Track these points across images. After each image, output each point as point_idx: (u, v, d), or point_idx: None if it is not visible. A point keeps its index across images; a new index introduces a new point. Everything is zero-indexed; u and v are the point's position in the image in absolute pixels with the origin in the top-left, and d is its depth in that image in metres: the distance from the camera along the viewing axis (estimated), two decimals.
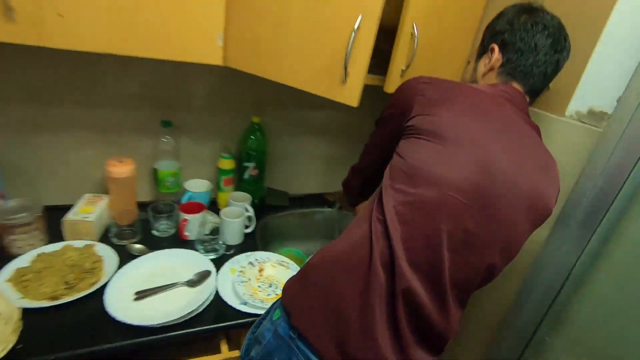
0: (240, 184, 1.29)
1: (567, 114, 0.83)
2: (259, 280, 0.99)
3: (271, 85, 0.88)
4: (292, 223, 1.40)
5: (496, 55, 0.72)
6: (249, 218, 1.18)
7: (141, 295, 0.86)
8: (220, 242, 1.08)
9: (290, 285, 0.70)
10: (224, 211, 1.12)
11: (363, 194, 0.98)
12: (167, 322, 0.80)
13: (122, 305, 0.82)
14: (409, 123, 0.65)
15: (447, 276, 0.60)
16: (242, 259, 1.05)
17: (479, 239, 0.60)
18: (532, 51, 0.68)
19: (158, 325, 0.79)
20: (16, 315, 0.73)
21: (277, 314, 0.68)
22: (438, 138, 0.60)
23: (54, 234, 0.98)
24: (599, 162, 0.76)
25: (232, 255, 1.06)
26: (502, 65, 0.71)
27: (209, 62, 0.84)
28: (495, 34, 0.73)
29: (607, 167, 0.75)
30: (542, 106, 0.87)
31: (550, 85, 0.76)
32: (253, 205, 1.20)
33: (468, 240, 0.60)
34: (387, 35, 0.86)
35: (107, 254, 0.96)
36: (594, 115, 0.79)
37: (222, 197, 1.26)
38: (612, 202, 0.76)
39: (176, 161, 1.18)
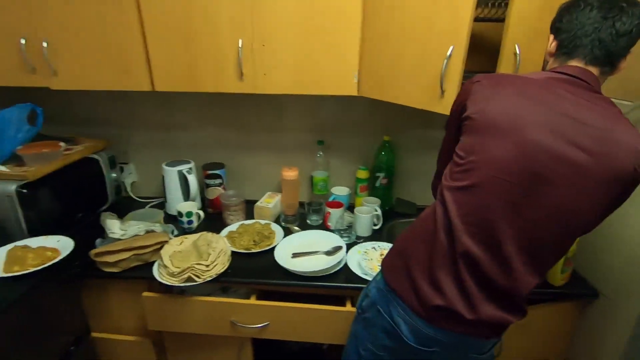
0: (372, 191, 1.58)
1: None
2: (379, 261, 1.24)
3: (398, 109, 1.15)
4: None
5: (551, 41, 0.81)
6: (377, 217, 1.45)
7: (296, 255, 1.23)
8: (353, 232, 1.39)
9: (386, 255, 0.93)
10: (357, 209, 1.42)
11: None
12: (312, 271, 1.13)
13: (284, 259, 1.21)
14: (464, 121, 0.77)
15: (509, 243, 0.72)
16: (368, 245, 1.32)
17: (531, 212, 0.70)
18: (577, 25, 0.74)
19: (306, 273, 1.14)
20: (229, 252, 1.21)
21: (379, 275, 0.92)
22: (483, 129, 0.72)
23: (249, 214, 1.49)
24: None
25: (360, 243, 1.35)
26: (557, 48, 0.79)
27: (348, 94, 1.20)
28: (551, 26, 0.82)
29: None
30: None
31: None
32: (383, 211, 1.47)
33: (521, 213, 0.70)
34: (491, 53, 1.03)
35: (278, 230, 1.39)
36: None
37: (358, 201, 1.58)
38: None
39: (326, 171, 1.58)
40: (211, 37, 1.15)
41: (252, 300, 1.14)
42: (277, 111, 1.55)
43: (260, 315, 1.13)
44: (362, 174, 1.55)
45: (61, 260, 1.12)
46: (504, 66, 1.02)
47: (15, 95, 1.45)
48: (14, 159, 1.26)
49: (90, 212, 1.47)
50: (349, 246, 1.31)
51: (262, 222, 1.43)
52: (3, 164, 1.23)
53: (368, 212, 1.41)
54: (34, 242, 1.18)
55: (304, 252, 1.25)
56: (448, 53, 0.91)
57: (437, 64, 0.95)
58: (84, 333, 1.26)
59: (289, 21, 1.12)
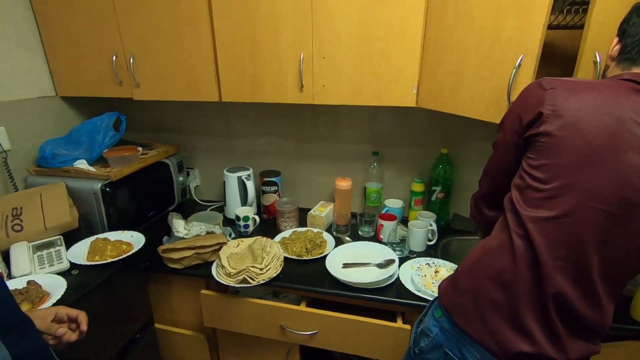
0: (428, 205, 1.53)
1: None
2: (433, 278, 1.19)
3: (458, 121, 1.12)
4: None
5: (614, 44, 0.73)
6: (432, 232, 1.39)
7: (347, 265, 1.23)
8: (406, 246, 1.35)
9: (445, 290, 0.82)
10: (412, 222, 1.39)
11: (489, 222, 0.87)
12: (363, 283, 1.12)
13: (335, 268, 1.21)
14: (537, 138, 0.67)
15: (595, 275, 0.65)
16: (422, 260, 1.27)
17: (622, 240, 0.63)
18: None
19: (356, 284, 1.13)
20: (281, 258, 1.24)
21: (439, 312, 0.82)
22: (571, 149, 0.63)
23: (302, 222, 1.52)
24: None
25: (413, 258, 1.30)
26: (620, 53, 0.71)
27: (406, 105, 1.18)
28: (619, 28, 0.74)
29: None
30: None
31: None
32: (438, 226, 1.41)
33: (612, 242, 0.63)
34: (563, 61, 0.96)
35: (329, 239, 1.40)
36: None
37: (412, 214, 1.54)
38: None
39: (380, 182, 1.56)
40: (274, 51, 1.22)
41: (302, 307, 1.15)
42: (333, 121, 1.58)
43: (310, 323, 1.14)
44: (418, 187, 1.51)
45: (134, 253, 1.24)
46: (582, 76, 0.94)
47: (100, 105, 1.64)
48: (100, 161, 1.43)
49: (159, 211, 1.60)
50: (401, 260, 1.28)
51: (315, 230, 1.45)
52: (92, 164, 1.40)
53: (423, 226, 1.37)
54: (112, 235, 1.31)
55: (355, 262, 1.25)
56: (517, 62, 0.86)
57: (504, 74, 0.91)
58: (148, 322, 1.36)
59: (349, 34, 1.14)
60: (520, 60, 0.86)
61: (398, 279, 1.18)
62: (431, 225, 1.39)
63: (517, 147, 0.73)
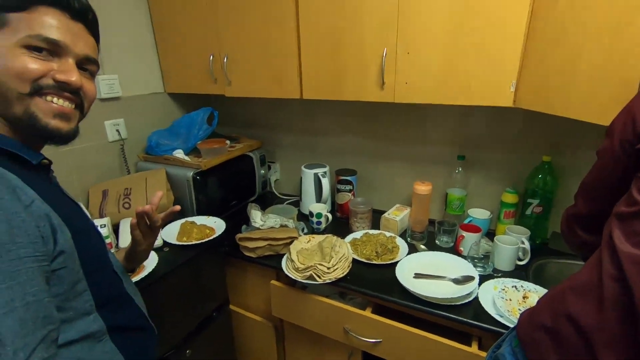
0: (521, 219, 1.35)
1: None
2: (520, 304, 1.03)
3: (566, 124, 0.95)
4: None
5: None
6: (524, 250, 1.22)
7: (419, 275, 1.15)
8: (490, 263, 1.20)
9: (523, 320, 0.72)
10: (498, 237, 1.23)
11: (586, 245, 0.77)
12: (435, 297, 1.03)
13: (405, 277, 1.14)
14: None
15: None
16: (508, 281, 1.12)
17: None
18: None
19: (428, 298, 1.04)
20: (350, 259, 1.21)
21: (516, 342, 0.71)
22: None
23: (375, 224, 1.47)
24: None
25: (498, 277, 1.16)
26: None
27: (501, 105, 1.05)
28: None
29: None
30: None
31: None
32: (532, 244, 1.23)
33: None
34: None
35: (402, 245, 1.33)
36: None
37: (500, 228, 1.37)
38: None
39: (464, 189, 1.43)
40: (356, 48, 1.19)
41: (367, 313, 1.11)
42: (416, 121, 1.49)
43: (375, 330, 1.09)
44: (510, 198, 1.34)
45: (215, 238, 1.34)
46: None
47: (198, 101, 1.81)
48: (194, 151, 1.58)
49: (241, 201, 1.71)
50: (483, 278, 1.14)
51: (387, 234, 1.39)
52: (187, 154, 1.55)
53: (512, 243, 1.20)
54: (199, 219, 1.44)
55: (428, 274, 1.16)
56: None
57: (633, 69, 0.73)
58: (224, 303, 1.47)
59: (438, 26, 1.05)
60: None
61: (477, 298, 1.06)
62: (523, 242, 1.22)
63: (628, 159, 0.58)
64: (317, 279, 1.13)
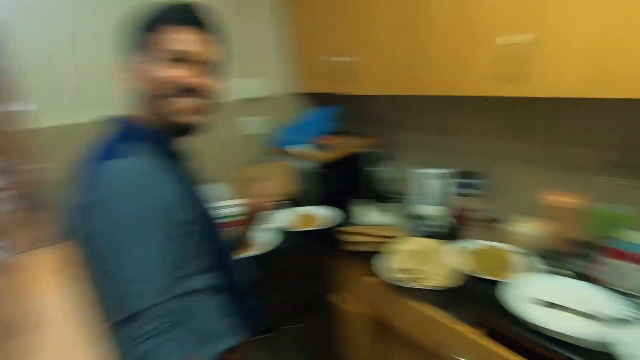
0: None
1: None
2: None
3: None
4: None
5: None
6: None
7: (541, 302, 0.97)
8: None
9: None
10: None
11: None
12: (559, 332, 0.86)
13: (523, 301, 0.98)
14: None
15: None
16: None
17: None
18: None
19: (548, 332, 0.88)
20: (456, 269, 1.12)
21: None
22: None
23: (496, 235, 1.31)
24: None
25: None
26: None
27: None
28: None
29: None
30: None
31: None
32: None
33: None
34: None
35: (527, 263, 1.14)
36: None
37: None
38: None
39: (623, 205, 1.12)
40: (489, 37, 1.07)
41: (470, 333, 1.00)
42: (561, 119, 1.24)
43: (479, 354, 0.98)
44: None
45: (326, 228, 1.44)
46: None
47: (324, 99, 1.93)
48: (318, 146, 1.71)
49: (356, 194, 1.76)
50: (629, 322, 0.88)
51: (510, 247, 1.21)
52: (311, 149, 1.69)
53: None
54: (314, 209, 1.56)
55: (554, 302, 0.97)
56: None
57: None
58: (323, 292, 1.56)
59: (586, 5, 0.85)
60: None
61: (622, 348, 0.83)
62: None
63: None
64: (416, 283, 1.08)
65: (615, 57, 0.85)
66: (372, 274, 1.31)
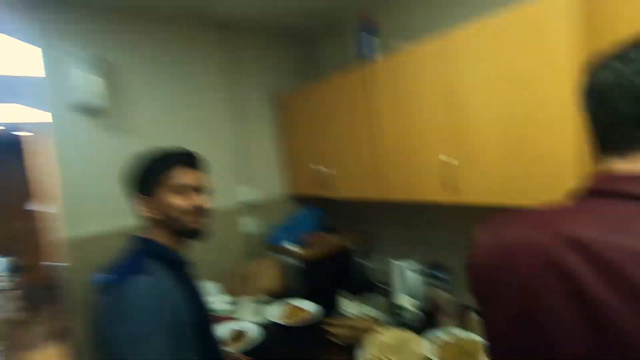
0: None
1: None
2: None
3: None
4: None
5: None
6: None
7: None
8: None
9: None
10: None
11: None
12: None
13: None
14: None
15: None
16: None
17: None
18: None
19: None
20: (425, 358, 1.21)
21: None
22: None
23: (467, 324, 1.41)
24: None
25: None
26: None
27: None
28: None
29: None
30: None
31: None
32: None
33: None
34: None
35: None
36: None
37: None
38: None
39: None
40: (421, 154, 1.36)
41: None
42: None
43: None
44: None
45: (311, 321, 1.54)
46: None
47: (309, 201, 2.20)
48: (304, 243, 1.91)
49: (338, 288, 1.89)
50: None
51: (475, 338, 1.31)
52: (297, 247, 1.89)
53: None
54: (300, 303, 1.69)
55: None
56: None
57: None
58: None
59: (491, 139, 1.15)
60: None
61: None
62: None
63: None
64: None
65: (518, 179, 1.11)
66: None
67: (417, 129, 1.37)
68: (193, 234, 0.96)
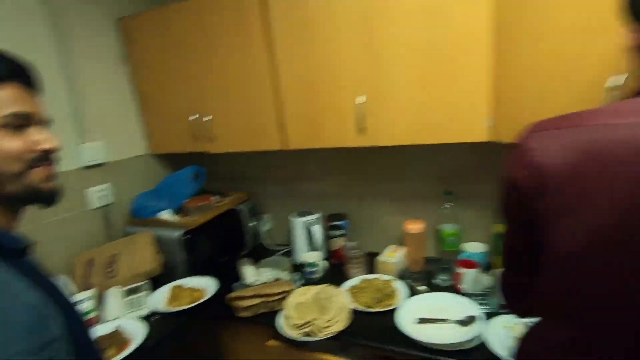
0: None
1: None
2: None
3: None
4: None
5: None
6: None
7: (423, 320, 1.10)
8: (494, 299, 1.16)
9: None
10: (498, 271, 1.20)
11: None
12: (439, 343, 0.98)
13: (408, 324, 1.09)
14: None
15: None
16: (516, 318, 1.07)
17: None
18: None
19: (432, 345, 0.99)
20: (349, 309, 1.16)
21: None
22: None
23: (371, 268, 1.43)
24: None
25: (505, 314, 1.11)
26: None
27: (477, 140, 1.07)
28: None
29: None
30: None
31: None
32: None
33: None
34: None
35: (401, 288, 1.28)
36: None
37: (498, 261, 1.34)
38: None
39: (456, 224, 1.41)
40: (333, 97, 1.23)
41: None
42: (400, 161, 1.51)
43: None
44: (502, 229, 1.33)
45: (206, 300, 1.28)
46: None
47: (182, 160, 1.82)
48: (182, 211, 1.56)
49: (232, 256, 1.66)
50: (489, 316, 1.10)
51: (385, 277, 1.35)
52: (176, 214, 1.53)
53: None
54: (189, 281, 1.38)
55: (431, 318, 1.11)
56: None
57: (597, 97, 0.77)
58: None
59: (409, 74, 1.11)
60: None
61: (485, 340, 1.01)
62: None
63: None
64: (317, 334, 1.07)
65: (432, 115, 1.11)
66: (275, 335, 1.22)
67: (329, 65, 1.21)
68: (41, 197, 0.57)
